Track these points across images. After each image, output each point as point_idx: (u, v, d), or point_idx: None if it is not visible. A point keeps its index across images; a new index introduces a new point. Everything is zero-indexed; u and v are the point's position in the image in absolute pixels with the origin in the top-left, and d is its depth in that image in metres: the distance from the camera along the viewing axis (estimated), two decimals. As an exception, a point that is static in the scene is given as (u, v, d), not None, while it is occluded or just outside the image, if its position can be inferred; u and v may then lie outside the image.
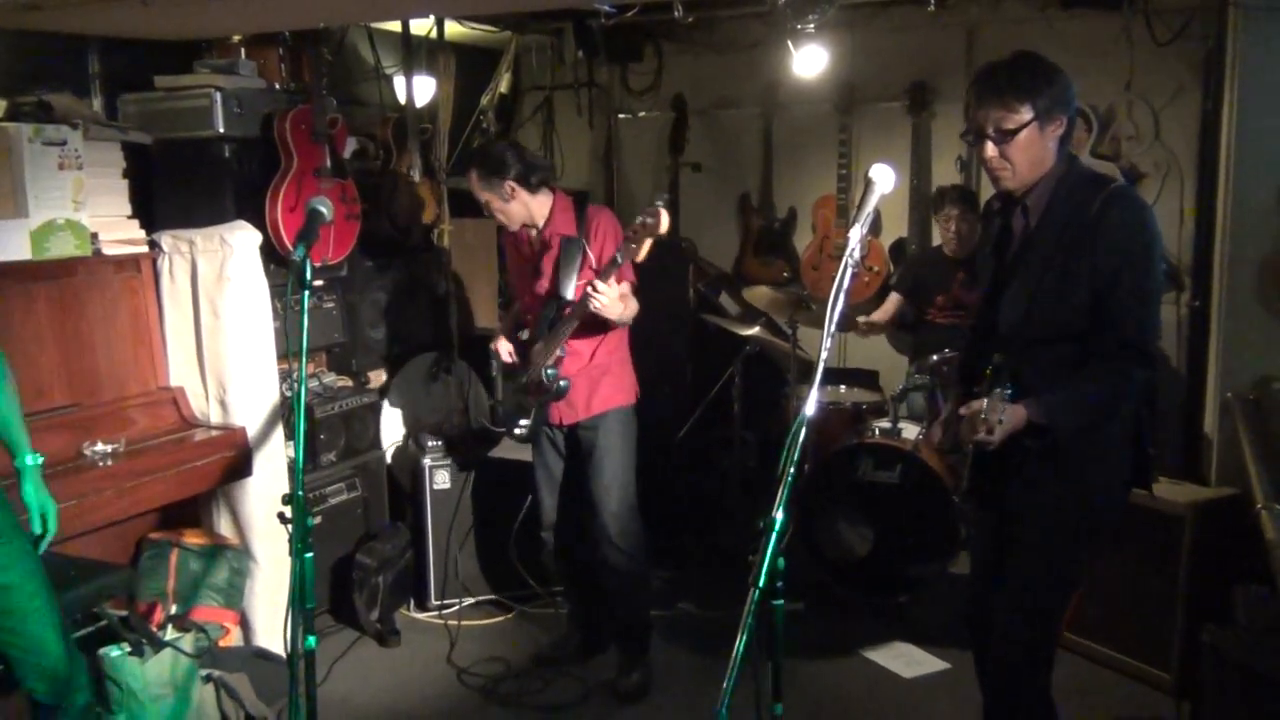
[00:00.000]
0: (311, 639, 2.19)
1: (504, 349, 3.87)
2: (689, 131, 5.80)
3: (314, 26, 4.04)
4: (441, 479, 4.44)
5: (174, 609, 3.64)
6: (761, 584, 1.85)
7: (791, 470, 1.91)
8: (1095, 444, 2.52)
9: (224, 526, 3.91)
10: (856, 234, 2.03)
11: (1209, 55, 4.54)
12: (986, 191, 5.04)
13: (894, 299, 5.10)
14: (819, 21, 3.94)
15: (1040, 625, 2.64)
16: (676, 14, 3.95)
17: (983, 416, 2.31)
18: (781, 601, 1.91)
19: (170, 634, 3.36)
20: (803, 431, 1.93)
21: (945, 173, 5.32)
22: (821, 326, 4.32)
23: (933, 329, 4.88)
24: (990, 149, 2.52)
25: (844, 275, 1.99)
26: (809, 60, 4.88)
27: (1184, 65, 4.69)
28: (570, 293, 3.54)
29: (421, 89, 4.95)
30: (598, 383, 3.69)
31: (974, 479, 2.66)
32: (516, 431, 3.76)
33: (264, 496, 3.82)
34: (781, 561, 1.88)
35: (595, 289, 3.33)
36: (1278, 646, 3.01)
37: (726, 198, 5.95)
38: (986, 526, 2.80)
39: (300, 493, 2.22)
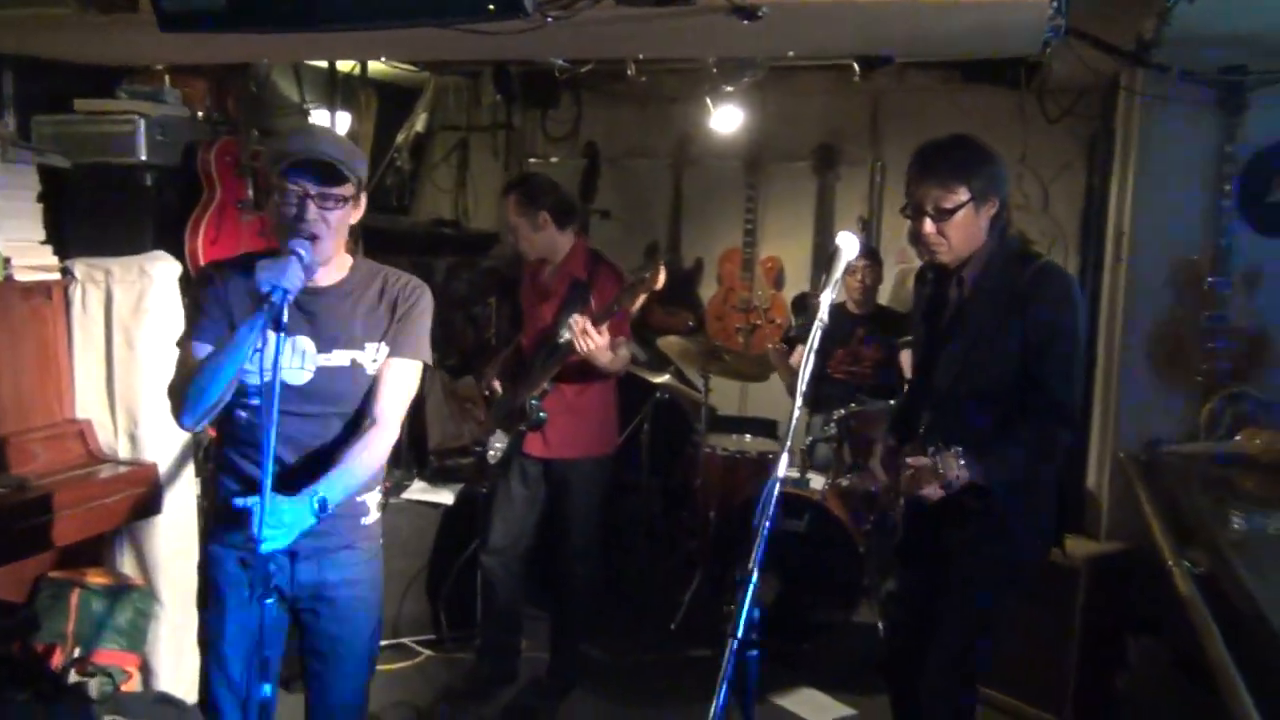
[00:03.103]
0: (267, 686, 2.13)
1: (495, 384, 4.12)
2: (600, 179, 5.89)
3: (244, 62, 3.99)
4: (351, 520, 4.36)
5: (75, 652, 3.48)
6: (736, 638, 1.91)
7: (767, 526, 1.98)
8: (1025, 501, 2.68)
9: (127, 565, 3.76)
10: (827, 298, 2.13)
11: (1094, 134, 4.86)
12: (886, 249, 5.29)
13: (798, 351, 5.25)
14: (748, 84, 4.10)
15: (968, 672, 2.78)
16: (630, 73, 4.09)
17: (940, 471, 2.42)
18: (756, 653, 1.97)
19: (73, 678, 3.23)
20: (776, 489, 2.01)
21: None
22: (732, 377, 4.38)
23: (831, 383, 5.01)
24: (929, 225, 2.68)
25: (814, 339, 2.08)
26: (725, 118, 5.04)
27: (1072, 142, 5.01)
28: (567, 332, 3.72)
29: (340, 125, 4.92)
30: (577, 426, 3.86)
31: (908, 533, 2.79)
32: (490, 454, 3.92)
33: (173, 535, 3.70)
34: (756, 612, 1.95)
35: (584, 329, 3.53)
36: (1168, 695, 3.22)
37: (635, 246, 6.03)
38: (916, 580, 2.93)
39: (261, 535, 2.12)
